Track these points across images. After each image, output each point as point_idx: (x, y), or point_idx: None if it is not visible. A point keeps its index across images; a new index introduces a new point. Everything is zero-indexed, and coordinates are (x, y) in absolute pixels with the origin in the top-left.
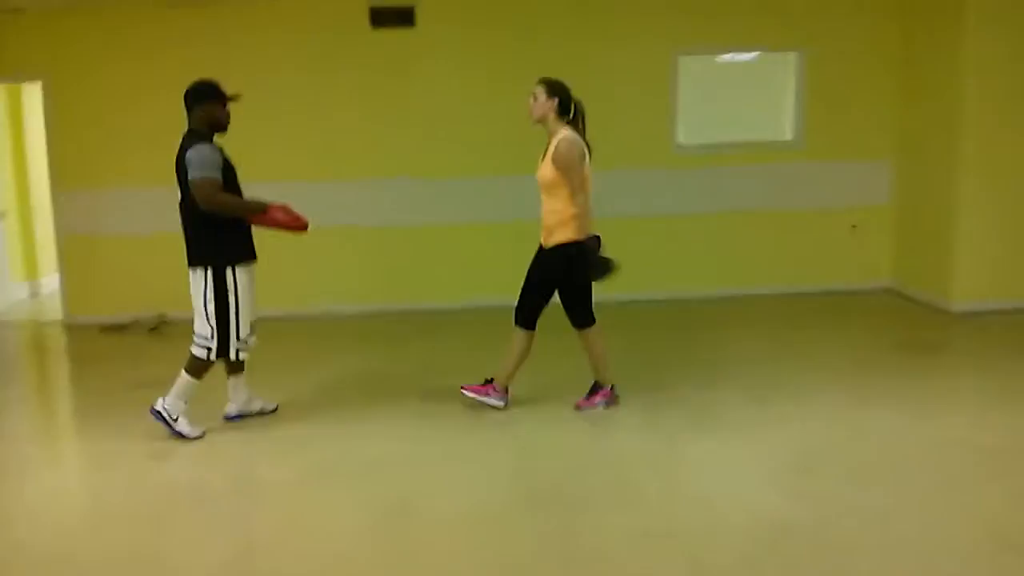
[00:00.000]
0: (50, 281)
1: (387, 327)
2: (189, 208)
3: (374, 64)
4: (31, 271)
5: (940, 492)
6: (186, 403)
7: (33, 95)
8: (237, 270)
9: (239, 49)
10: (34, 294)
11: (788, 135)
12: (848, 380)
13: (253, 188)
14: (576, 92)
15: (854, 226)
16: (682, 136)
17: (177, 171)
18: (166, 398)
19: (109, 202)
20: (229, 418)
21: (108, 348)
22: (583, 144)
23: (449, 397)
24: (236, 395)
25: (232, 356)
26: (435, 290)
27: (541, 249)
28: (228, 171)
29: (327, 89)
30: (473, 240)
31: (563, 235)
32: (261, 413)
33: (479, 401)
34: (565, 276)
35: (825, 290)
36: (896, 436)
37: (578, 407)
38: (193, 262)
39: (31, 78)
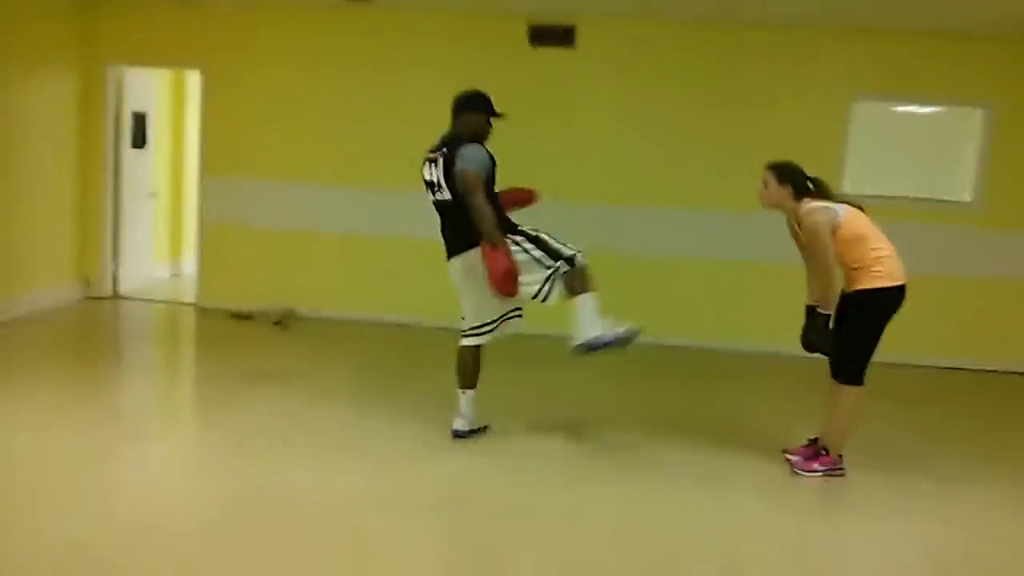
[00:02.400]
0: (190, 264)
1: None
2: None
3: (532, 83)
4: (175, 252)
5: None
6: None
7: (194, 83)
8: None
9: (396, 54)
10: (175, 275)
11: (967, 196)
12: (1011, 475)
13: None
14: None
15: None
16: (848, 186)
17: (444, 173)
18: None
19: (251, 193)
20: (460, 435)
21: (236, 334)
22: (824, 205)
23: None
24: (468, 411)
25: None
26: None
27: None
28: (493, 179)
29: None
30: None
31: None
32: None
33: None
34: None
35: (1007, 370)
36: None
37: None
38: (457, 251)
39: (193, 66)
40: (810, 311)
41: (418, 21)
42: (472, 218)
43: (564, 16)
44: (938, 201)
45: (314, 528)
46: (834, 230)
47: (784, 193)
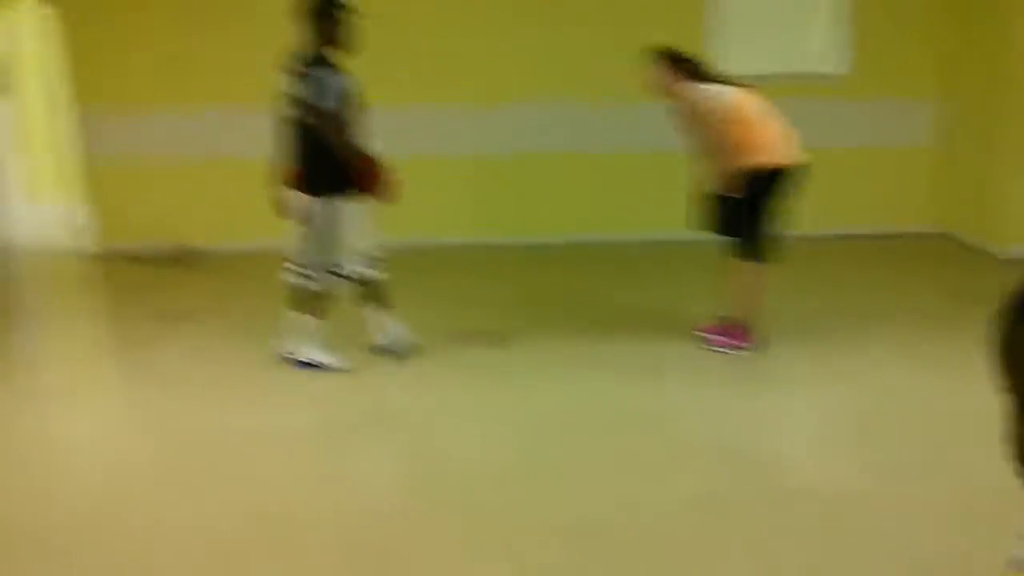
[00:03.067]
0: (76, 208)
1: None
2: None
3: None
4: (62, 199)
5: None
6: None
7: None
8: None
9: None
10: (68, 222)
11: (828, 67)
12: (894, 335)
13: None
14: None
15: None
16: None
17: (295, 89)
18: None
19: (135, 125)
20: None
21: (136, 278)
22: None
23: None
24: (379, 327)
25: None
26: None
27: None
28: (354, 100)
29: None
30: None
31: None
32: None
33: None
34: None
35: (867, 234)
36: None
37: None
38: (308, 189)
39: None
40: (717, 197)
41: None
42: (336, 154)
43: None
44: (804, 75)
45: (255, 460)
46: (726, 111)
47: (673, 78)
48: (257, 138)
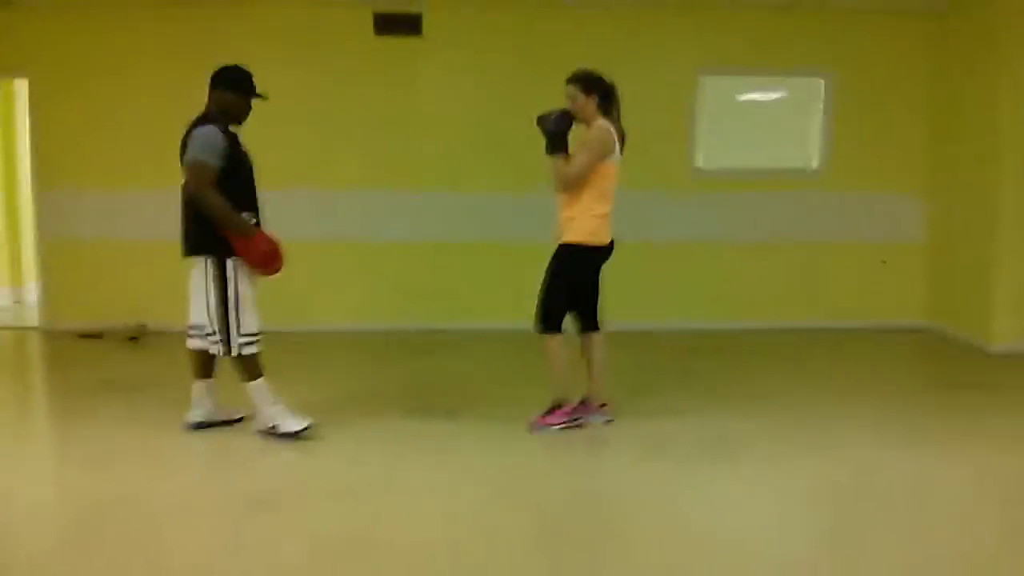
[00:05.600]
0: (34, 288)
1: (383, 344)
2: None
3: (378, 73)
4: (15, 277)
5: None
6: (274, 402)
7: (22, 92)
8: (239, 262)
9: (235, 54)
10: (17, 301)
11: (814, 164)
12: (874, 415)
13: None
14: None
15: (884, 262)
16: (702, 160)
17: (181, 152)
18: (257, 417)
19: (91, 205)
20: (195, 426)
21: (83, 353)
22: (614, 135)
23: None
24: (203, 402)
25: (234, 352)
26: (431, 310)
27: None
28: (241, 162)
29: (328, 97)
30: (473, 259)
31: (581, 235)
32: (227, 422)
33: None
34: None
35: (853, 327)
36: (920, 474)
37: (533, 427)
38: (192, 251)
39: (18, 74)
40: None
41: (258, 13)
42: (207, 216)
43: (410, 3)
44: (790, 170)
45: (173, 527)
46: (599, 162)
47: (591, 103)
48: None
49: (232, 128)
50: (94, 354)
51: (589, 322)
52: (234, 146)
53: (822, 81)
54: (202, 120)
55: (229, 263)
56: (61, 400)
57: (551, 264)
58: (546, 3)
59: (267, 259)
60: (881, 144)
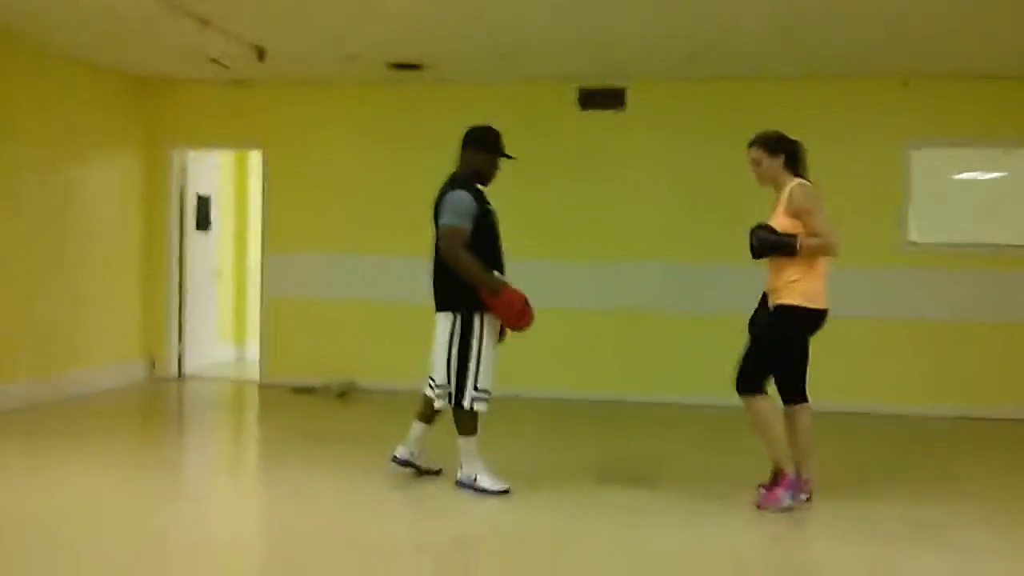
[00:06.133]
0: (254, 347)
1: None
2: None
3: (583, 145)
4: (240, 334)
5: None
6: (478, 460)
7: (255, 163)
8: (485, 318)
9: (451, 126)
10: (240, 358)
11: None
12: None
13: None
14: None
15: None
16: (915, 234)
17: (435, 213)
18: (461, 468)
19: (312, 268)
20: (397, 461)
21: (296, 406)
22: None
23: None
24: (414, 443)
25: (466, 405)
26: (635, 381)
27: (769, 309)
28: (488, 219)
29: (536, 168)
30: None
31: (799, 298)
32: (427, 472)
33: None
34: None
35: None
36: None
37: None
38: (441, 306)
39: (254, 146)
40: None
41: (469, 92)
42: (460, 275)
43: (614, 79)
44: (1013, 246)
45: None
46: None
47: (777, 165)
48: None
49: (481, 187)
50: (305, 407)
51: (797, 392)
52: (483, 207)
53: None
54: (453, 182)
55: (476, 318)
56: (274, 445)
57: (763, 326)
58: (749, 77)
59: (519, 315)
60: None
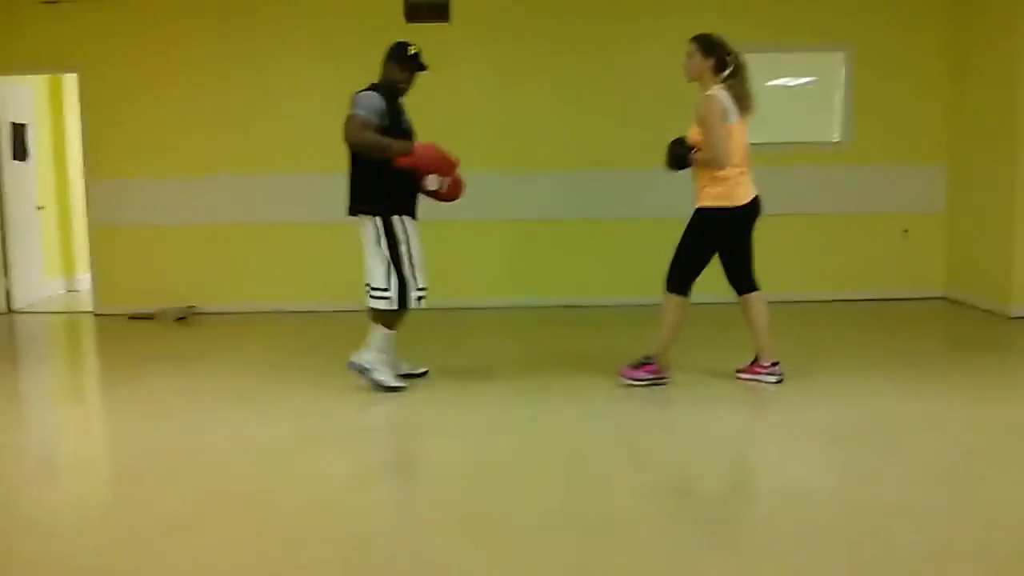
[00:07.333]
0: (86, 277)
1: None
2: (355, 155)
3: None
4: (68, 267)
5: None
6: (383, 354)
7: (71, 87)
8: (406, 220)
9: (270, 42)
10: (70, 290)
11: (835, 137)
12: (894, 371)
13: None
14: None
15: (906, 231)
16: None
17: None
18: (362, 352)
19: (139, 194)
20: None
21: (134, 332)
22: (726, 100)
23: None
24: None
25: (412, 305)
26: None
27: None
28: (402, 129)
29: (365, 83)
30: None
31: (710, 199)
32: (412, 375)
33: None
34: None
35: (874, 298)
36: (935, 415)
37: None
38: (361, 210)
39: (67, 69)
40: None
41: (297, 4)
42: (376, 158)
43: None
44: (811, 144)
45: (232, 460)
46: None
47: (705, 66)
48: (261, 203)
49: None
50: (146, 332)
51: (746, 283)
52: (396, 113)
53: (842, 55)
54: (367, 87)
55: (397, 221)
56: (118, 368)
57: (685, 230)
58: None
59: (441, 160)
60: (902, 116)
